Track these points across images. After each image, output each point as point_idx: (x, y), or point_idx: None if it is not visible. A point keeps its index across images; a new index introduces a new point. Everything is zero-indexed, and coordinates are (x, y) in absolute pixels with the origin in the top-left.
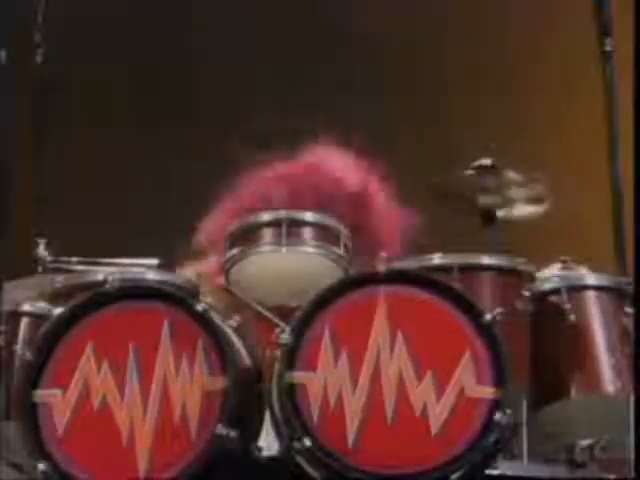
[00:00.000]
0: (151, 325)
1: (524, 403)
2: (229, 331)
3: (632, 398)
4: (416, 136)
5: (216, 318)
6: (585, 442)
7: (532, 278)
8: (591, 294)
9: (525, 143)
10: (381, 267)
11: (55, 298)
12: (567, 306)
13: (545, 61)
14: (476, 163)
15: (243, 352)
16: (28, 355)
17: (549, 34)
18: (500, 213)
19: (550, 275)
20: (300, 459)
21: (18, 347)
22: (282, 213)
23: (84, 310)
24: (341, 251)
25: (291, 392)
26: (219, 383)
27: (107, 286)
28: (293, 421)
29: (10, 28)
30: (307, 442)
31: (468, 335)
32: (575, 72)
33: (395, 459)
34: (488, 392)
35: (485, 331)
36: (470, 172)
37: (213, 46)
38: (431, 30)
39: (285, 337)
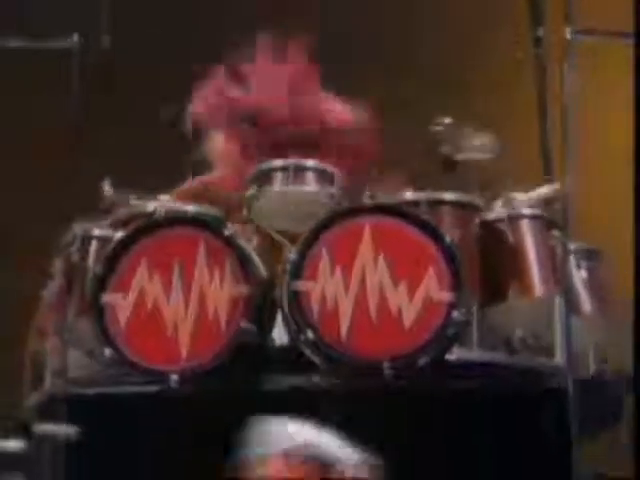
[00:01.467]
0: (190, 245)
1: (474, 304)
2: (250, 250)
3: (556, 300)
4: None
5: (240, 240)
6: (519, 334)
7: (481, 210)
8: (526, 221)
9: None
10: (367, 201)
11: (117, 225)
12: (507, 231)
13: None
14: (441, 121)
15: (261, 266)
16: (97, 268)
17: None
18: (458, 159)
19: (495, 207)
20: (304, 348)
21: (90, 262)
22: (290, 161)
23: (139, 234)
24: (334, 190)
25: (296, 297)
26: (243, 290)
27: (156, 215)
28: (298, 319)
29: (80, 13)
30: (310, 335)
31: (433, 253)
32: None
33: (377, 348)
34: (447, 296)
35: (446, 250)
36: (437, 128)
37: None
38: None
39: (292, 255)
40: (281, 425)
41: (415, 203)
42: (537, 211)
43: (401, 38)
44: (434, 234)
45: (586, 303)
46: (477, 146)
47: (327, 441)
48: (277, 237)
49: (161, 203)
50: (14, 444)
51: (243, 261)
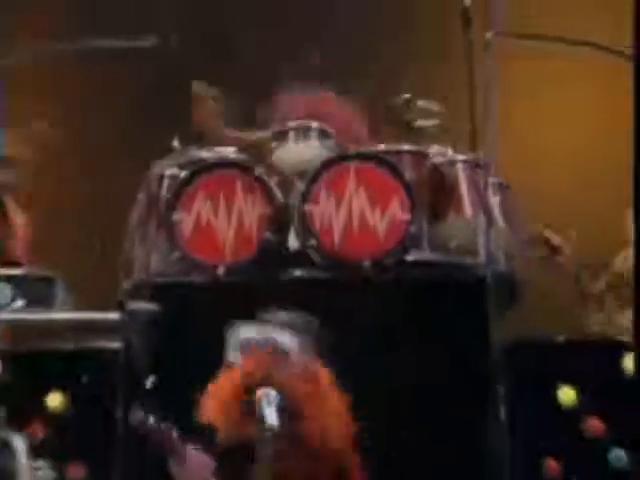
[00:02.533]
0: (232, 181)
1: (425, 222)
2: (272, 183)
3: (480, 219)
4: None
5: (265, 177)
6: (455, 242)
7: (429, 157)
8: (460, 165)
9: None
10: (351, 151)
11: (182, 167)
12: (448, 172)
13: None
14: (403, 95)
15: (280, 194)
16: (169, 196)
17: None
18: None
19: (440, 154)
20: (309, 251)
21: (163, 192)
22: (300, 123)
23: (197, 173)
24: (331, 144)
25: (305, 215)
26: (267, 210)
27: (208, 160)
28: (305, 231)
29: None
30: (313, 242)
31: (397, 186)
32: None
33: (359, 252)
34: (406, 216)
35: (405, 184)
36: (401, 100)
37: None
38: None
39: (302, 187)
40: (250, 328)
41: (385, 152)
42: (467, 157)
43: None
44: (397, 173)
45: (499, 221)
46: (427, 114)
47: (282, 337)
48: (290, 175)
49: (212, 152)
50: (112, 315)
51: (268, 191)
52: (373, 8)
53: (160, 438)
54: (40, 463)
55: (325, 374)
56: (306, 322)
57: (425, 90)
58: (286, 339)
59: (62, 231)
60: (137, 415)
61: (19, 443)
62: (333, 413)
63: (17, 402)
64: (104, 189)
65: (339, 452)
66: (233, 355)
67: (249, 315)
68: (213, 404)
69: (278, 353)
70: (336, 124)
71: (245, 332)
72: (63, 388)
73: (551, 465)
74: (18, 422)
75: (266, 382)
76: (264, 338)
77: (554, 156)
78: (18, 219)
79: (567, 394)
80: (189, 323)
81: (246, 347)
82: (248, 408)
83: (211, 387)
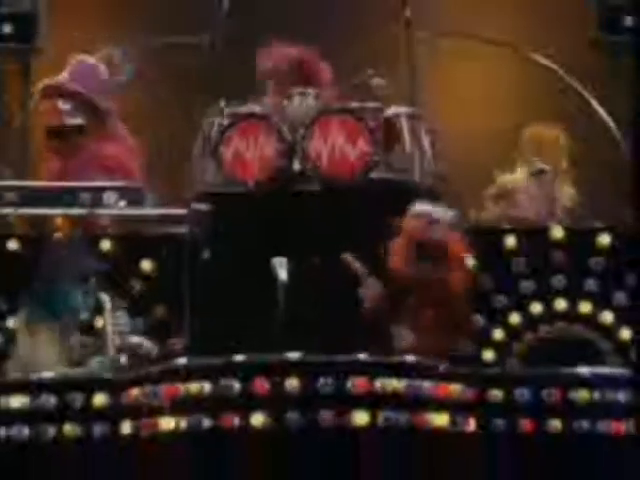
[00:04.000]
0: (257, 126)
1: (381, 154)
2: (285, 129)
3: (416, 152)
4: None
5: (279, 125)
6: (398, 165)
7: (383, 111)
8: (403, 116)
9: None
10: (333, 107)
11: (225, 117)
12: (395, 121)
13: None
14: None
15: (289, 136)
16: (217, 135)
17: None
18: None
19: (394, 110)
20: (308, 173)
21: (213, 134)
22: (301, 90)
23: (234, 122)
24: (320, 103)
25: (304, 150)
26: (279, 147)
27: (241, 113)
28: (305, 160)
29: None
30: (309, 167)
31: (364, 130)
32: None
33: (340, 172)
34: (370, 149)
35: (369, 129)
36: (365, 76)
37: None
38: None
39: (302, 131)
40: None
41: (355, 108)
42: (409, 110)
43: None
44: (364, 121)
45: (428, 152)
46: (382, 88)
47: (437, 210)
48: (295, 123)
49: (245, 108)
50: (182, 211)
51: (280, 133)
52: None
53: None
54: (141, 339)
55: (459, 241)
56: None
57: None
58: (440, 212)
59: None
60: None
61: (108, 302)
62: (465, 269)
63: (119, 268)
64: (180, 128)
65: (467, 299)
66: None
67: (270, 212)
68: (395, 249)
69: (434, 220)
70: (319, 80)
71: (417, 207)
72: (151, 257)
73: None
74: (116, 283)
75: (427, 239)
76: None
77: (471, 109)
78: (129, 140)
79: None
80: (230, 219)
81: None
82: (418, 254)
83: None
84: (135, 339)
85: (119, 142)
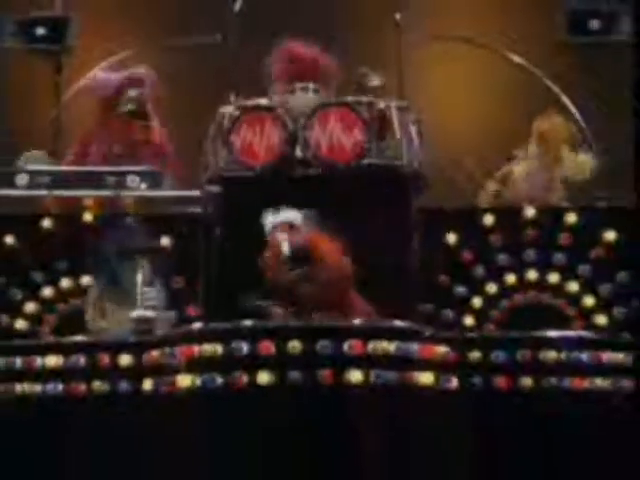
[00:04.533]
0: (263, 117)
1: (374, 141)
2: (289, 119)
3: (404, 139)
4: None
5: (284, 116)
6: (385, 145)
7: (376, 104)
8: (393, 108)
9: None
10: (332, 100)
11: (236, 108)
12: (386, 113)
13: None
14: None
15: (292, 125)
16: (229, 124)
17: None
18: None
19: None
20: (308, 160)
21: (225, 123)
22: (302, 84)
23: (242, 114)
24: (320, 96)
25: (305, 138)
26: (282, 135)
27: (250, 104)
28: (306, 148)
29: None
30: (310, 154)
31: (358, 121)
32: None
33: (337, 159)
34: (363, 138)
35: (363, 120)
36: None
37: None
38: None
39: (304, 121)
40: (272, 214)
41: (351, 101)
42: (400, 103)
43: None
44: (359, 113)
45: (415, 140)
46: (372, 80)
47: (295, 213)
48: (297, 114)
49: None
50: (197, 193)
51: (284, 122)
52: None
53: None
54: (170, 313)
55: (324, 236)
56: (307, 213)
57: (374, 62)
58: (297, 218)
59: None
60: (251, 303)
61: (142, 276)
62: (336, 255)
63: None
64: (195, 119)
65: (346, 279)
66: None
67: (274, 194)
68: (267, 261)
69: (292, 227)
70: (320, 74)
71: (269, 217)
72: (170, 232)
73: None
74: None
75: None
76: (282, 219)
77: (455, 105)
78: (155, 124)
79: None
80: (239, 199)
81: (272, 228)
82: (286, 264)
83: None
84: (162, 311)
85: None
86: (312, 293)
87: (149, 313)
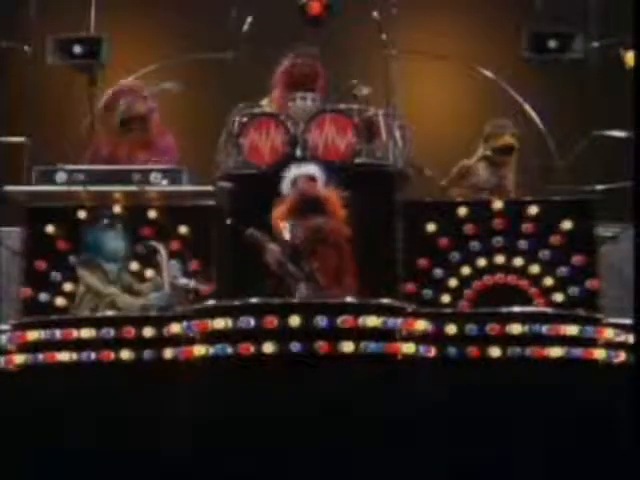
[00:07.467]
0: (268, 122)
1: (365, 143)
2: (292, 124)
3: (391, 142)
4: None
5: (288, 121)
6: (372, 147)
7: (365, 111)
8: (380, 115)
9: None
10: (327, 107)
11: (244, 115)
12: (374, 119)
13: None
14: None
15: (293, 130)
16: (238, 130)
17: None
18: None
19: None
20: (308, 156)
21: (235, 128)
22: (303, 94)
23: (251, 118)
24: (318, 103)
25: (304, 140)
26: (285, 138)
27: (256, 112)
28: (304, 148)
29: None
30: (309, 154)
31: (350, 125)
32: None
33: (332, 158)
34: (356, 140)
35: (355, 124)
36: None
37: None
38: None
39: (303, 125)
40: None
41: (344, 109)
42: (387, 110)
43: None
44: (351, 118)
45: (400, 143)
46: (361, 90)
47: (316, 168)
48: (297, 119)
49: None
50: (210, 188)
51: (286, 127)
52: None
53: (256, 241)
54: (189, 280)
55: (335, 194)
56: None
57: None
58: (318, 172)
59: (186, 144)
60: (248, 231)
61: (164, 254)
62: (343, 215)
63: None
64: (210, 124)
65: (347, 241)
66: (285, 188)
67: (278, 189)
68: (278, 214)
69: (313, 179)
70: (318, 83)
71: (292, 169)
72: (187, 223)
73: None
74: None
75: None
76: (304, 171)
77: (434, 112)
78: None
79: None
80: (247, 192)
81: (294, 179)
82: (305, 208)
83: (276, 209)
84: (183, 280)
85: (167, 135)
86: (324, 251)
87: (185, 281)
